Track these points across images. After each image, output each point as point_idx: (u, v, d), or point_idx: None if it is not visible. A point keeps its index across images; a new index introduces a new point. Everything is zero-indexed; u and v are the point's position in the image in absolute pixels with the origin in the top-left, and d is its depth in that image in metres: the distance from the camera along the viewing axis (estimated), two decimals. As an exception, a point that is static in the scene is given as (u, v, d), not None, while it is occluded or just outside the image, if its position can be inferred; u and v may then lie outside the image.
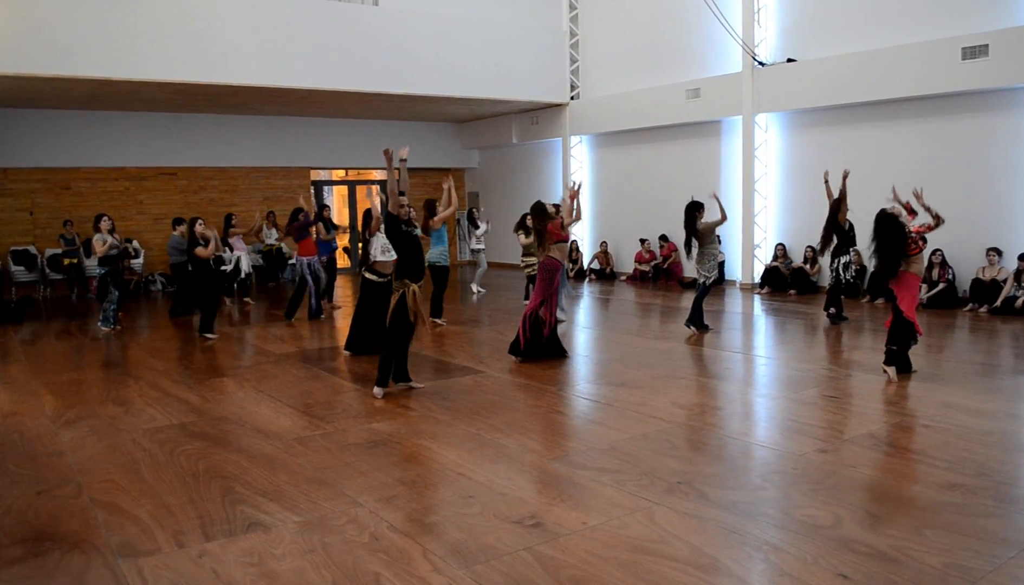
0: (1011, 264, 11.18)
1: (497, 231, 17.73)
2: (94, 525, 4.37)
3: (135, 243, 16.62)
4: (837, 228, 10.29)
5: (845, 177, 9.88)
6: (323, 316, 12.13)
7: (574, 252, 17.84)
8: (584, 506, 4.45)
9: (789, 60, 13.77)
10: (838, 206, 10.28)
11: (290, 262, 17.41)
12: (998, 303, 10.98)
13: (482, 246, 14.60)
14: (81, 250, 15.76)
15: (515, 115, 19.33)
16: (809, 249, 13.69)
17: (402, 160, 7.15)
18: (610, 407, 6.68)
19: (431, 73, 15.54)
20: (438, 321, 11.26)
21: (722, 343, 9.51)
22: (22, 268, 15.84)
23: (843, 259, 10.37)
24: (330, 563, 3.81)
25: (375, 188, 10.88)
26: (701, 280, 10.01)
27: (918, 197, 7.94)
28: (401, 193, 7.25)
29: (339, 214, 21.22)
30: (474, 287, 14.86)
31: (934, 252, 11.59)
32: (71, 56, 12.18)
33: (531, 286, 12.72)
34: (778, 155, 14.56)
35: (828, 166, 13.48)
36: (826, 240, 10.37)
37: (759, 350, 9.38)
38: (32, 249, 16.09)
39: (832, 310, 10.52)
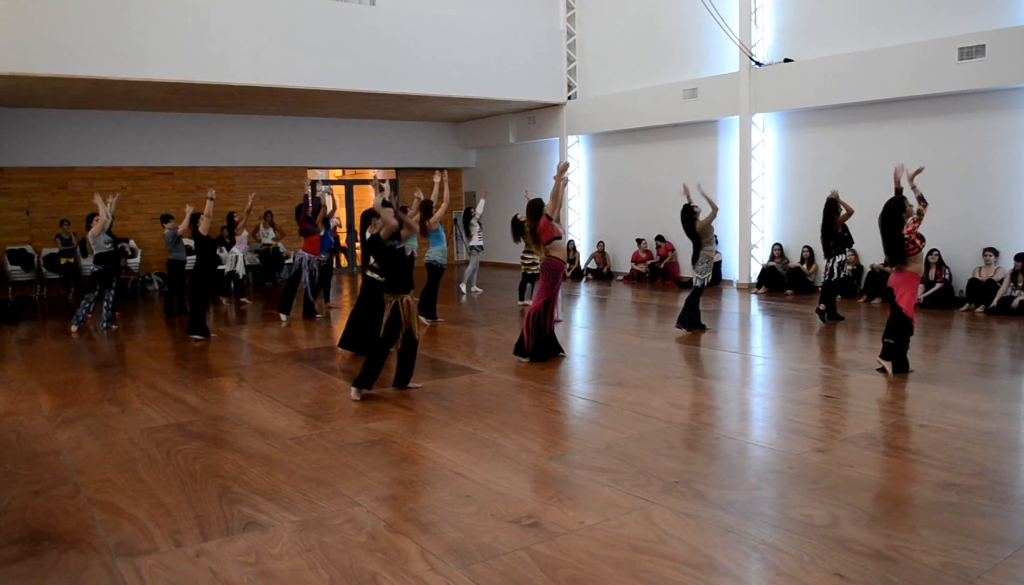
0: (1007, 264, 11.20)
1: (492, 231, 17.74)
2: (91, 524, 4.37)
3: (132, 242, 16.60)
4: (830, 231, 10.31)
5: (917, 173, 8.54)
6: (319, 315, 12.11)
7: (571, 252, 17.86)
8: (581, 506, 4.45)
9: (786, 60, 13.79)
10: (835, 208, 10.30)
11: (287, 261, 17.40)
12: (994, 303, 11.00)
13: (481, 243, 14.56)
14: (78, 249, 15.74)
15: (512, 115, 19.34)
16: (806, 249, 13.72)
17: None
18: (607, 407, 6.68)
19: (428, 73, 15.53)
20: (436, 320, 11.27)
21: (719, 343, 9.52)
22: (19, 267, 15.81)
23: (838, 258, 10.39)
24: (327, 562, 3.81)
25: (379, 178, 10.85)
26: (697, 282, 10.01)
27: (904, 174, 7.70)
28: (387, 204, 7.29)
29: (335, 214, 21.21)
30: (462, 287, 14.82)
31: (931, 252, 11.61)
32: (67, 55, 12.16)
33: (528, 285, 12.74)
34: (775, 155, 14.58)
35: (824, 166, 13.61)
36: (824, 243, 10.43)
37: (756, 350, 9.40)
38: (29, 248, 16.07)
39: (822, 307, 10.53)
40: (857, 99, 12.74)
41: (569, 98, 18.03)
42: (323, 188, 13.10)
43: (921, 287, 11.72)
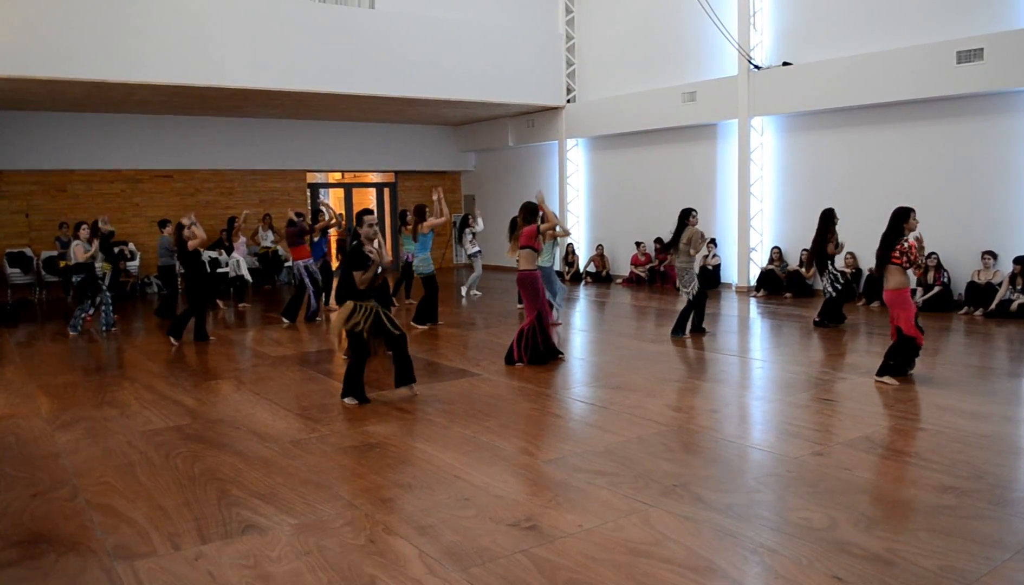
0: (1006, 267, 11.21)
1: (492, 234, 17.74)
2: (90, 527, 4.37)
3: (131, 246, 16.59)
4: (821, 254, 10.33)
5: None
6: (319, 318, 12.13)
7: (570, 255, 17.87)
8: (580, 509, 4.45)
9: (785, 63, 13.80)
10: (825, 235, 10.30)
11: (286, 264, 17.41)
12: (993, 306, 11.00)
13: (478, 249, 14.59)
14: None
15: (511, 118, 19.35)
16: (805, 252, 13.72)
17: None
18: (606, 410, 6.68)
19: (427, 76, 15.54)
20: (436, 324, 11.28)
21: (718, 346, 9.53)
22: (18, 270, 15.81)
23: (832, 272, 10.40)
24: (326, 565, 3.82)
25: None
26: (684, 295, 10.01)
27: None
28: (369, 212, 7.30)
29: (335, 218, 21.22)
30: (464, 290, 14.84)
31: (929, 255, 11.62)
32: (67, 58, 12.17)
33: None
34: (774, 158, 14.59)
35: (822, 170, 13.63)
36: (809, 264, 10.47)
37: (755, 353, 9.40)
38: (28, 251, 16.07)
39: (816, 319, 10.56)
40: (856, 102, 12.75)
41: (568, 101, 18.05)
42: (321, 195, 13.16)
43: (919, 290, 11.75)
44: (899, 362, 7.40)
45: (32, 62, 11.94)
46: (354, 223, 7.14)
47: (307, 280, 12.07)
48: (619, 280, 17.05)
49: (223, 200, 18.34)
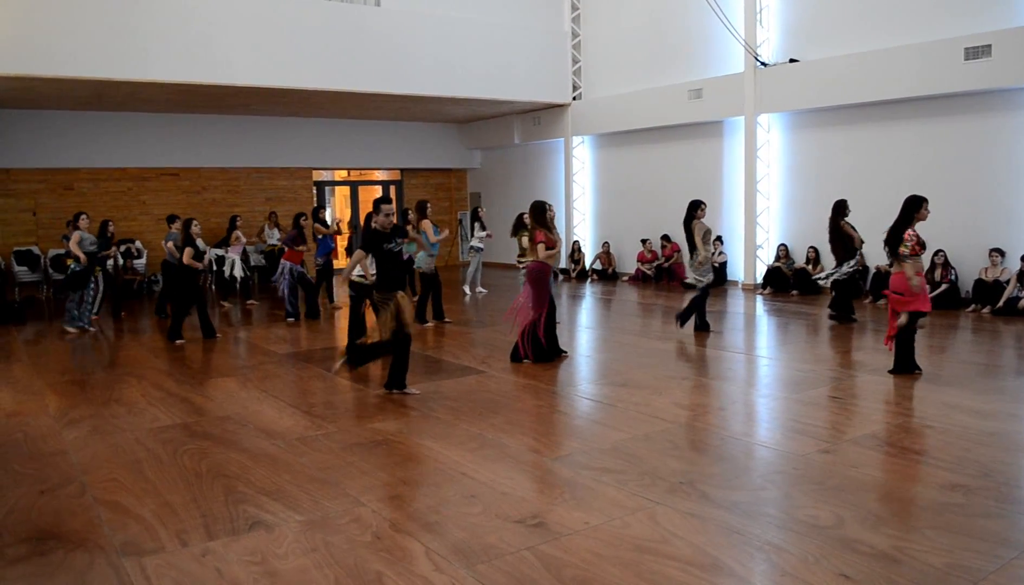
0: (1014, 265, 11.17)
1: (497, 232, 17.73)
2: (97, 524, 4.38)
3: (138, 243, 16.63)
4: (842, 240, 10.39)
5: None
6: (318, 318, 12.08)
7: (576, 253, 17.86)
8: (586, 506, 4.45)
9: (791, 60, 13.77)
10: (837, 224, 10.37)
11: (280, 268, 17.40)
12: (1000, 304, 10.96)
13: (481, 246, 14.56)
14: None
15: (517, 116, 19.34)
16: (811, 250, 13.69)
17: None
18: (612, 407, 6.68)
19: (433, 74, 15.54)
20: (444, 321, 11.28)
21: (724, 343, 9.51)
22: (25, 268, 15.86)
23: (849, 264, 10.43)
24: (332, 562, 3.82)
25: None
26: (700, 284, 9.98)
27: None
28: (387, 200, 7.15)
29: (341, 214, 21.26)
30: (466, 288, 14.81)
31: (936, 252, 11.59)
32: (73, 57, 12.20)
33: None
34: (780, 155, 14.55)
35: (829, 167, 13.60)
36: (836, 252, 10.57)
37: (761, 350, 9.38)
38: (35, 249, 16.11)
39: (830, 312, 10.59)
40: (863, 99, 12.71)
41: (574, 99, 18.03)
42: (327, 204, 13.17)
43: (927, 287, 11.70)
44: (905, 359, 7.39)
45: (39, 61, 11.98)
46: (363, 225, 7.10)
47: (285, 280, 12.02)
48: (625, 277, 17.04)
49: (229, 198, 18.37)
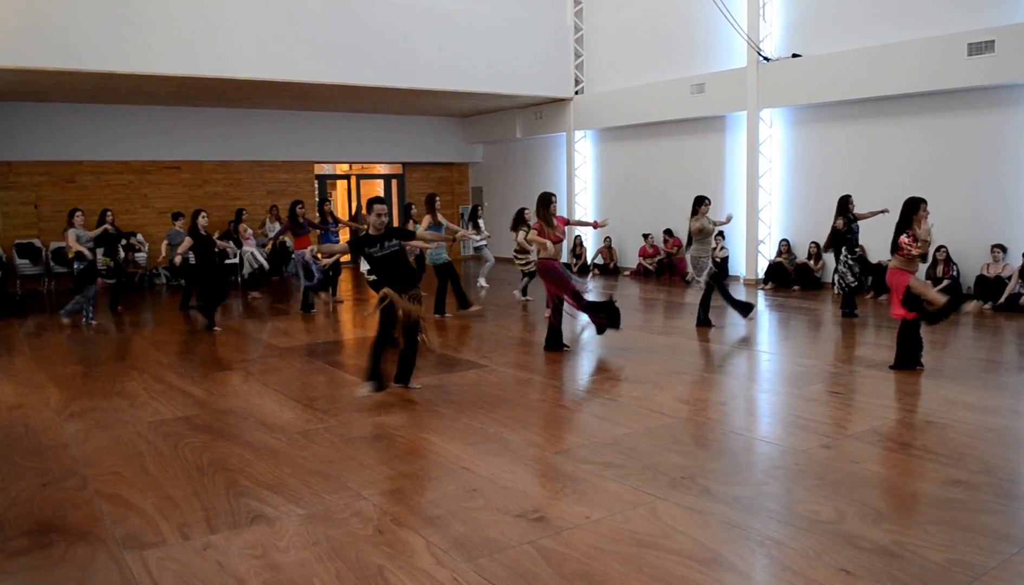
0: (1015, 261, 11.16)
1: (498, 226, 17.72)
2: (99, 517, 4.39)
3: (139, 237, 16.63)
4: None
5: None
6: (314, 310, 12.07)
7: (578, 247, 17.85)
8: (587, 500, 4.46)
9: (794, 55, 13.74)
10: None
11: (293, 256, 17.39)
12: (1002, 300, 10.95)
13: (484, 243, 14.55)
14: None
15: (519, 110, 19.31)
16: (813, 245, 13.68)
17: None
18: (613, 402, 6.68)
19: (435, 67, 15.52)
20: (443, 315, 11.28)
21: (726, 338, 9.51)
22: (27, 261, 15.87)
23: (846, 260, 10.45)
24: (334, 556, 3.83)
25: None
26: (703, 281, 9.98)
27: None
28: (380, 200, 6.91)
29: (342, 209, 21.26)
30: (482, 281, 14.82)
31: (938, 249, 11.57)
32: (75, 50, 12.18)
33: (528, 280, 12.76)
34: (782, 150, 14.53)
35: (831, 162, 13.58)
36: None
37: (762, 346, 9.38)
38: (37, 242, 16.13)
39: (845, 310, 10.62)
40: (865, 95, 12.69)
41: (576, 93, 18.00)
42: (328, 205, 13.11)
43: (929, 283, 11.67)
44: (902, 349, 7.41)
45: (41, 53, 11.96)
46: (363, 211, 6.96)
47: (300, 271, 12.01)
48: (627, 272, 17.03)
49: (231, 191, 18.37)
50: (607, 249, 17.43)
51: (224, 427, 6.13)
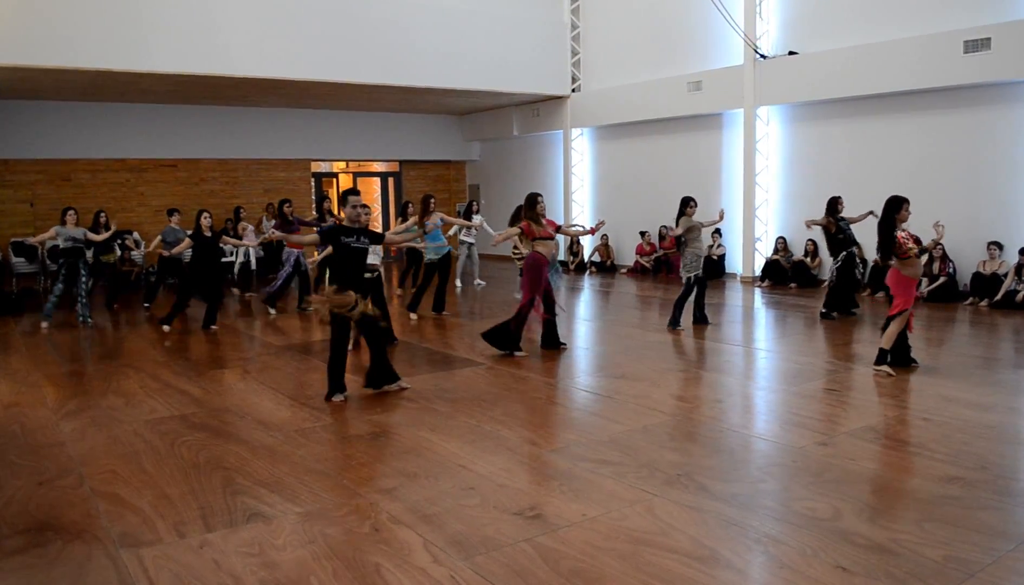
0: (1012, 258, 11.17)
1: (496, 224, 17.70)
2: (95, 515, 4.38)
3: (135, 235, 16.61)
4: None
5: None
6: (273, 313, 11.95)
7: (575, 245, 17.84)
8: (584, 498, 4.46)
9: (791, 53, 13.74)
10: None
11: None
12: (998, 297, 10.97)
13: (472, 240, 14.48)
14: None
15: (516, 107, 19.31)
16: (810, 242, 13.69)
17: None
18: (610, 399, 6.68)
19: (432, 65, 15.50)
20: (442, 313, 11.27)
21: (722, 336, 9.52)
22: (23, 260, 15.83)
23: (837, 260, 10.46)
24: (331, 554, 3.83)
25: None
26: (684, 278, 9.95)
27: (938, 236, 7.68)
28: (356, 192, 6.81)
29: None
30: (458, 281, 14.68)
31: (935, 246, 11.57)
32: (71, 47, 12.15)
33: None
34: (779, 148, 14.54)
35: (828, 159, 13.58)
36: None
37: (759, 343, 9.39)
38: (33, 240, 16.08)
39: (823, 310, 10.53)
40: (862, 92, 12.70)
41: (573, 91, 18.00)
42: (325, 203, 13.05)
43: (925, 280, 11.72)
44: (898, 351, 7.37)
45: (37, 51, 11.93)
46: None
47: (290, 268, 11.93)
48: (624, 270, 17.04)
49: (228, 189, 18.34)
50: (604, 247, 17.44)
51: (221, 425, 6.12)
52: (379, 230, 7.47)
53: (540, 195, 8.60)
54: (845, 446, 5.27)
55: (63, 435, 5.93)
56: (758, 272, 14.62)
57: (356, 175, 21.40)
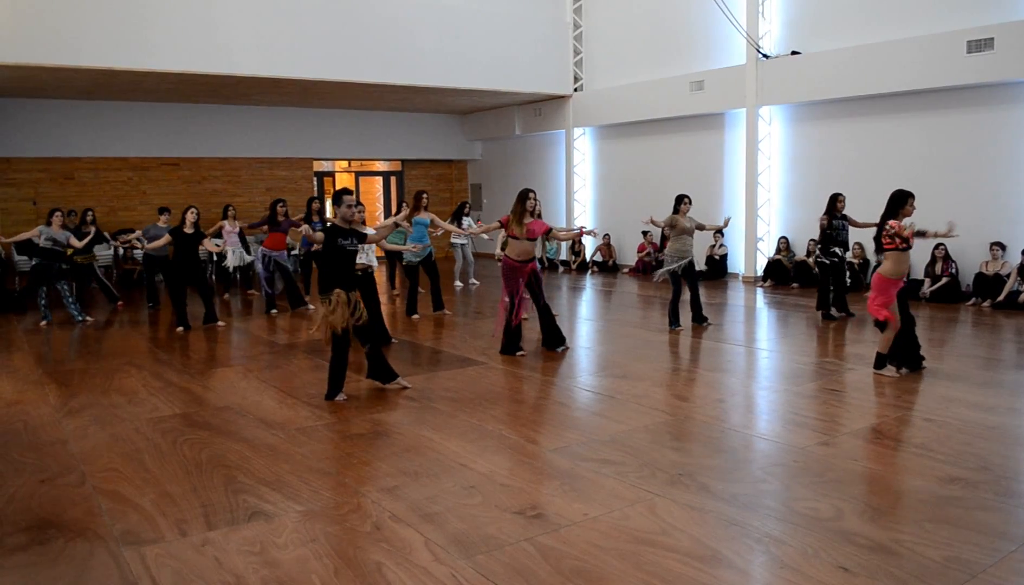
0: (1014, 259, 11.16)
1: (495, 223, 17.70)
2: (97, 513, 4.39)
3: (137, 234, 16.57)
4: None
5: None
6: (275, 311, 11.86)
7: (576, 244, 17.84)
8: (585, 497, 4.46)
9: (793, 53, 13.73)
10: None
11: (293, 253, 17.33)
12: (1001, 297, 10.96)
13: (464, 240, 14.44)
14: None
15: (518, 107, 19.30)
16: (812, 242, 13.67)
17: None
18: (612, 399, 6.68)
19: (434, 64, 15.51)
20: (445, 312, 11.26)
21: (724, 336, 9.51)
22: (25, 258, 15.81)
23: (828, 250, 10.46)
24: (332, 552, 3.83)
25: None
26: (660, 275, 9.93)
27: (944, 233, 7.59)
28: (349, 192, 6.82)
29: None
30: (457, 283, 14.66)
31: (937, 246, 11.58)
32: (73, 46, 12.17)
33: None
34: (781, 148, 14.54)
35: (830, 159, 13.56)
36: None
37: (761, 343, 9.38)
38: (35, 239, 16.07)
39: (822, 310, 10.51)
40: (864, 92, 12.69)
41: (575, 90, 17.99)
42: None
43: (927, 281, 11.71)
44: (896, 352, 7.31)
45: (39, 49, 11.95)
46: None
47: (260, 267, 11.90)
48: (626, 269, 17.04)
49: (230, 188, 18.35)
50: (606, 246, 17.43)
51: (222, 424, 6.13)
52: (371, 228, 7.49)
53: (533, 191, 8.46)
54: (847, 446, 5.27)
55: (65, 433, 5.94)
56: (760, 272, 14.62)
57: (358, 174, 21.40)
